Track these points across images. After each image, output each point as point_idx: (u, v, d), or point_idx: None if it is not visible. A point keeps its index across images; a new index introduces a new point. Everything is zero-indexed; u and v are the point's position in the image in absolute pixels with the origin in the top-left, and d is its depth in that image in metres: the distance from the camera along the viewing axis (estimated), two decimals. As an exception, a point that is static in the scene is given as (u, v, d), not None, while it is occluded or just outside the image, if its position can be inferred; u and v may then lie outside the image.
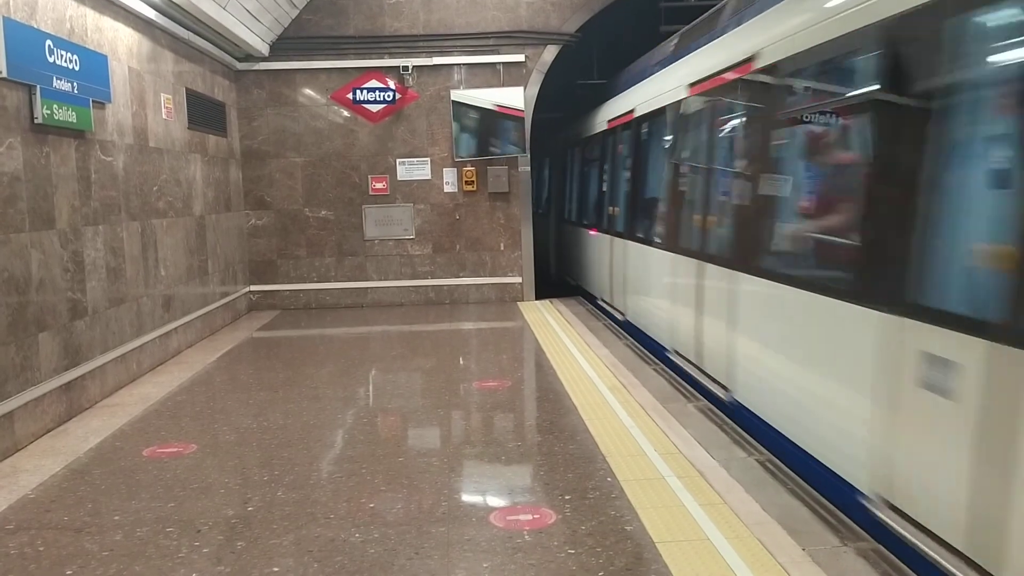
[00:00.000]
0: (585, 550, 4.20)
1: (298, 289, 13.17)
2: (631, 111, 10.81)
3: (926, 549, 3.79)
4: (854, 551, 4.10)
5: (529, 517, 4.64)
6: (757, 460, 5.51)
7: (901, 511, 4.08)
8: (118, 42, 8.27)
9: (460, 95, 12.78)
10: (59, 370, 6.78)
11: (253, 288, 13.05)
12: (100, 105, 7.71)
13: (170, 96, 9.66)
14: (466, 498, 5.11)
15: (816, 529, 4.38)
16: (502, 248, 13.21)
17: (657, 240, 9.27)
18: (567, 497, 4.93)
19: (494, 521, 4.61)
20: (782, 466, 5.40)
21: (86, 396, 7.28)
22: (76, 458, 5.96)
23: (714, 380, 7.17)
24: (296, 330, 11.64)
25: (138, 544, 4.44)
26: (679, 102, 8.56)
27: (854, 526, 4.44)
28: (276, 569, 4.11)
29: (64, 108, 6.87)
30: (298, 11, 12.50)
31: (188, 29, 9.98)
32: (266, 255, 13.07)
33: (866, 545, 4.17)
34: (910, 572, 3.92)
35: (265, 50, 12.34)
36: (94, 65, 7.53)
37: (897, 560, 4.02)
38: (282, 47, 12.63)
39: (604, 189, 12.50)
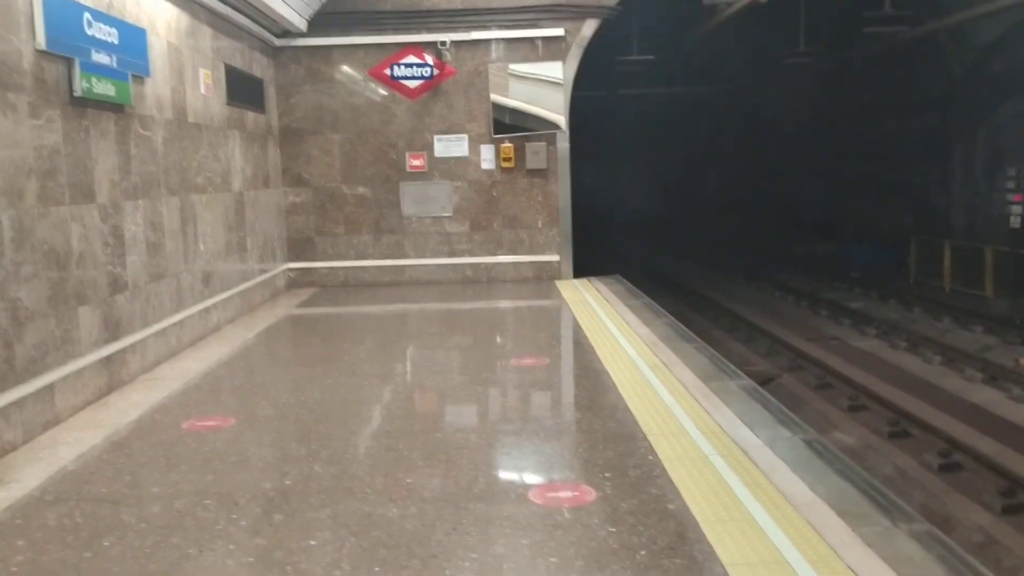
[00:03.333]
0: (626, 528, 4.10)
1: (336, 266, 13.16)
2: None
3: None
4: (907, 533, 3.96)
5: (569, 494, 4.55)
6: (803, 439, 5.36)
7: None
8: (157, 16, 8.25)
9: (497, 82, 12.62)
10: (99, 344, 6.81)
11: (291, 265, 13.07)
12: (139, 79, 7.70)
13: (209, 72, 9.64)
14: (504, 475, 5.04)
15: (866, 510, 4.23)
16: (540, 226, 13.07)
17: None
18: (607, 475, 4.83)
19: (533, 498, 4.52)
20: (831, 446, 5.25)
21: (127, 370, 7.31)
22: (116, 431, 5.98)
23: None
24: (334, 307, 11.63)
25: (176, 516, 4.43)
26: None
27: (907, 507, 4.29)
28: (313, 543, 4.06)
29: (103, 82, 6.86)
30: (336, -14, 12.41)
31: (227, 4, 9.93)
32: (304, 232, 13.07)
33: (920, 527, 4.02)
34: (964, 553, 3.77)
35: (303, 26, 12.28)
36: (133, 39, 7.51)
37: (951, 542, 3.87)
38: (320, 23, 12.55)
39: None
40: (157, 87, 8.15)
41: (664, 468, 4.90)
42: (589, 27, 12.75)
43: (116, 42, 7.10)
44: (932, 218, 18.59)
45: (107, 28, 6.97)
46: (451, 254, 13.14)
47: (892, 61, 18.87)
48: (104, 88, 6.87)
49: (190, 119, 9.00)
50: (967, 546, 6.73)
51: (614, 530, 4.09)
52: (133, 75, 7.47)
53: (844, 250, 21.53)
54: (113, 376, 7.04)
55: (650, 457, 5.09)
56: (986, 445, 8.62)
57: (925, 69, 18.14)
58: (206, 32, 9.63)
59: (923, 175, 19.18)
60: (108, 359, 6.94)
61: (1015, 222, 14.51)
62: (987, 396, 10.42)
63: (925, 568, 3.64)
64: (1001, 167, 16.33)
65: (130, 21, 7.54)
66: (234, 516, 4.41)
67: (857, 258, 20.48)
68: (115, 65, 7.07)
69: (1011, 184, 14.85)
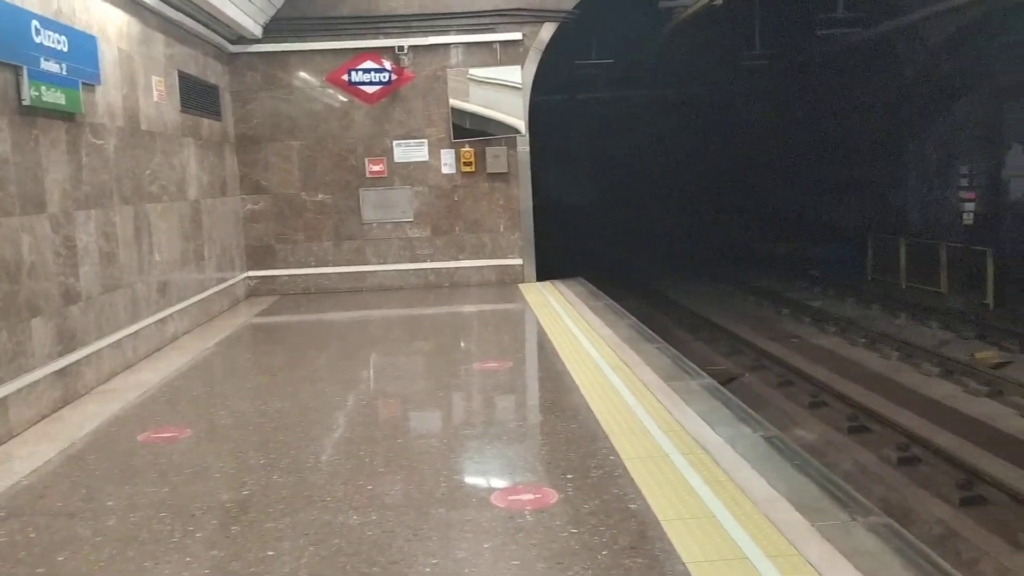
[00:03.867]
0: (588, 529, 4.10)
1: (296, 274, 13.05)
2: None
3: None
4: (865, 526, 4.00)
5: (531, 497, 4.54)
6: (763, 437, 5.40)
7: None
8: (107, 23, 8.12)
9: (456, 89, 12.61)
10: (53, 356, 6.67)
11: (251, 273, 12.93)
12: (90, 87, 7.57)
13: (162, 79, 9.51)
14: (466, 479, 5.01)
15: (825, 505, 4.27)
16: (502, 230, 13.07)
17: None
18: (569, 476, 4.82)
19: (495, 501, 4.50)
20: (790, 442, 5.30)
21: (82, 382, 7.18)
22: (71, 444, 5.86)
23: None
24: (295, 315, 11.53)
25: (131, 529, 4.35)
26: None
27: (865, 501, 4.33)
28: (271, 553, 4.01)
29: (52, 90, 6.73)
30: (292, -8, 12.32)
31: (179, 10, 9.81)
32: (264, 240, 12.94)
33: (877, 520, 4.07)
34: (922, 545, 3.82)
35: (258, 32, 12.18)
36: (83, 46, 7.38)
37: (908, 534, 3.92)
38: (276, 28, 12.46)
39: None
40: (109, 95, 8.02)
41: (626, 468, 4.90)
42: (547, 31, 12.78)
43: (66, 49, 6.98)
44: (889, 216, 18.89)
45: (56, 35, 6.84)
46: (413, 259, 13.09)
47: (847, 62, 19.15)
48: (54, 96, 6.74)
49: (143, 127, 8.87)
50: (926, 538, 6.83)
51: (576, 531, 4.08)
52: (84, 83, 7.34)
53: (804, 249, 21.81)
54: (68, 389, 6.90)
55: (612, 457, 5.10)
56: (944, 439, 8.76)
57: (879, 70, 18.44)
58: (158, 39, 9.50)
59: (879, 174, 19.48)
60: (62, 371, 6.80)
61: (968, 219, 14.78)
62: (944, 390, 10.60)
63: (883, 560, 3.68)
64: (954, 165, 16.64)
65: (80, 28, 7.41)
66: (191, 528, 4.33)
67: (817, 257, 20.76)
68: (65, 73, 6.94)
69: (964, 182, 15.14)
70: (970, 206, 14.90)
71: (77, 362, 7.08)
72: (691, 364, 7.59)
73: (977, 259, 14.80)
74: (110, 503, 4.74)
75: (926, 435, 8.77)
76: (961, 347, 12.33)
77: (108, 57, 8.05)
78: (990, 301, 14.45)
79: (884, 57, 17.97)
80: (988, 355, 11.65)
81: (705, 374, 7.24)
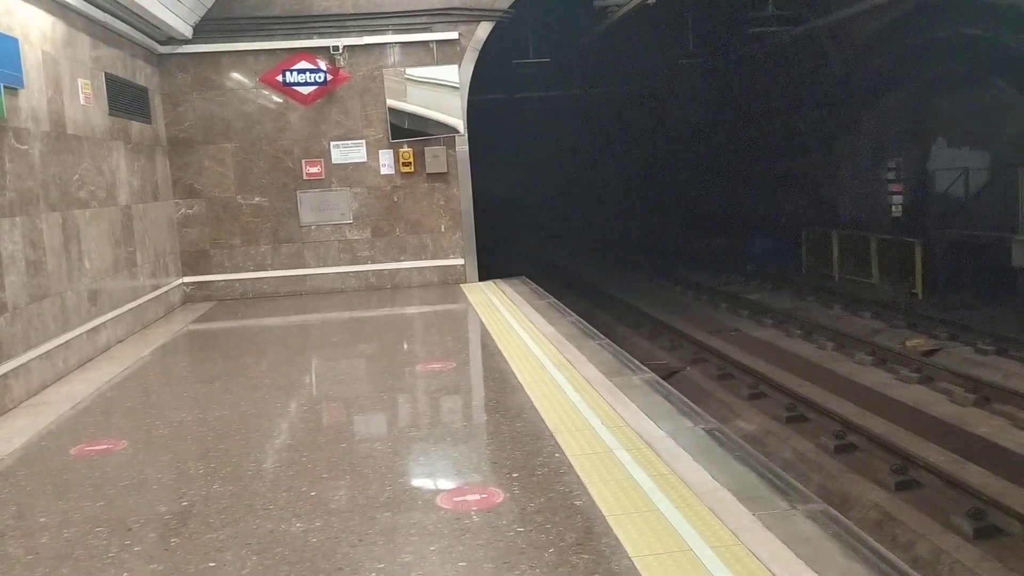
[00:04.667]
0: (534, 527, 4.10)
1: (234, 279, 12.81)
2: None
3: None
4: (803, 514, 4.08)
5: (477, 497, 4.52)
6: (704, 429, 5.47)
7: None
8: (30, 25, 7.86)
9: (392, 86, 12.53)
10: (-22, 370, 6.44)
11: (186, 279, 12.66)
12: (12, 91, 7.31)
13: (88, 81, 9.25)
14: (412, 482, 4.97)
15: (765, 494, 4.35)
16: (443, 230, 13.02)
17: None
18: (515, 475, 4.82)
19: (441, 503, 4.48)
20: (731, 434, 5.38)
21: (10, 396, 6.93)
22: (-1, 460, 5.67)
23: None
24: (233, 321, 11.31)
25: (65, 546, 4.21)
26: None
27: (804, 489, 4.42)
28: (212, 564, 3.92)
29: (-29, 93, 6.50)
30: (222, -8, 12.09)
31: (105, 11, 9.55)
32: (199, 245, 12.68)
33: (816, 507, 4.15)
34: (859, 531, 3.91)
35: (188, 32, 11.92)
36: (5, 49, 7.14)
37: (846, 520, 4.00)
38: (206, 29, 12.21)
39: None
40: (32, 98, 7.77)
41: (571, 465, 4.92)
42: (483, 30, 12.77)
43: (-16, 51, 6.74)
44: (822, 209, 19.33)
45: (-27, 37, 6.61)
46: (353, 262, 12.96)
47: (778, 59, 19.55)
48: (-28, 100, 6.51)
49: (69, 131, 8.62)
50: (864, 523, 7.00)
51: (522, 530, 4.08)
52: (6, 87, 7.10)
53: (740, 243, 22.19)
54: (-6, 403, 6.67)
55: (557, 455, 5.11)
56: (878, 425, 8.99)
57: (808, 66, 18.86)
58: (84, 40, 9.23)
59: (811, 168, 19.93)
60: (-12, 385, 6.57)
61: (897, 211, 15.20)
62: (877, 378, 10.88)
63: (822, 546, 3.75)
64: (883, 159, 17.10)
65: (1, 31, 7.16)
66: (127, 542, 4.22)
67: (752, 250, 21.14)
68: (-16, 76, 6.71)
69: (891, 175, 15.55)
70: (898, 199, 15.31)
71: (4, 375, 6.84)
72: (633, 360, 7.66)
73: (906, 250, 15.23)
74: (42, 519, 4.59)
75: (861, 422, 8.99)
76: (893, 336, 12.68)
77: (31, 60, 7.80)
78: (919, 291, 14.89)
79: (813, 54, 18.39)
80: (918, 343, 12.00)
81: (647, 369, 7.31)
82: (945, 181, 15.97)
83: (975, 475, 7.57)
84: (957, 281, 14.56)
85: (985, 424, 8.96)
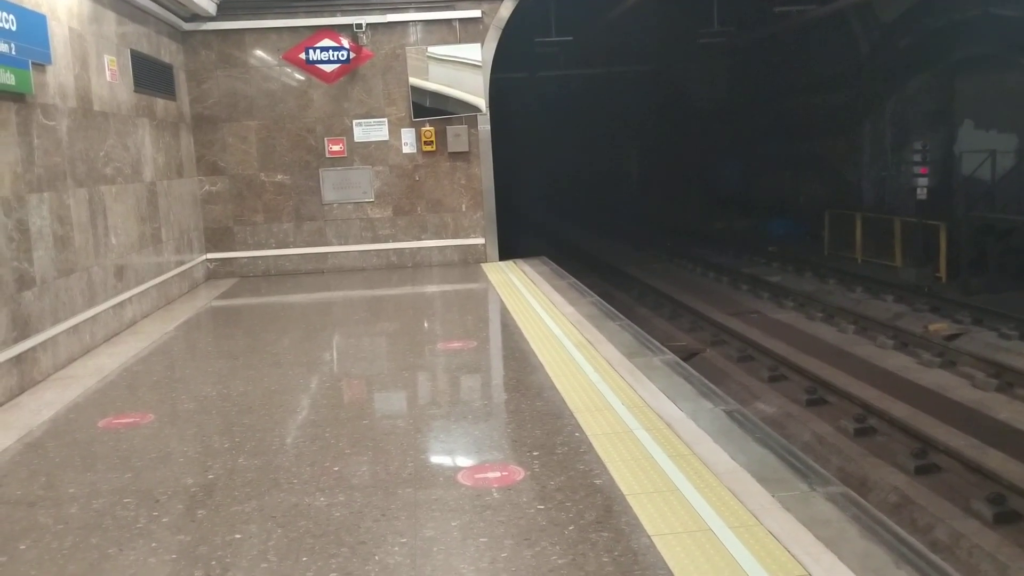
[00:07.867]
0: (555, 505, 4.14)
1: (256, 256, 12.91)
2: None
3: None
4: (823, 496, 4.10)
5: (497, 474, 4.57)
6: (724, 411, 5.49)
7: None
8: (57, 2, 7.91)
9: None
10: (8, 342, 6.55)
11: (210, 256, 12.77)
12: (40, 67, 7.39)
13: (114, 58, 9.31)
14: (433, 458, 5.03)
15: (785, 476, 4.36)
16: (464, 209, 13.04)
17: None
18: (535, 453, 4.86)
19: (462, 480, 4.53)
20: (751, 416, 5.39)
21: (38, 369, 7.06)
22: (29, 431, 5.77)
23: None
24: (256, 297, 11.41)
25: (94, 516, 4.31)
26: None
27: (823, 471, 4.43)
28: (239, 536, 4.00)
29: (2, 70, 6.56)
30: (246, -31, 12.10)
31: (130, -12, 9.61)
32: (222, 222, 12.78)
33: (835, 490, 4.16)
34: (878, 513, 3.92)
35: (212, 9, 11.95)
36: (32, 25, 7.20)
37: (865, 503, 4.02)
38: (230, 6, 12.24)
39: None
40: (60, 75, 7.84)
41: (591, 444, 4.96)
42: (506, 8, 12.71)
43: (14, 29, 6.80)
44: (845, 192, 19.15)
45: (4, 14, 6.67)
46: (375, 240, 13.02)
47: (803, 39, 19.32)
48: (3, 77, 6.58)
49: (96, 107, 8.69)
50: (883, 506, 7.00)
51: (543, 507, 4.13)
52: (34, 63, 7.17)
53: (761, 225, 22.04)
54: (24, 376, 6.79)
55: (577, 434, 5.15)
56: (899, 409, 8.96)
57: (834, 46, 18.63)
58: (110, 17, 9.29)
59: (835, 150, 19.73)
60: (18, 358, 6.69)
61: (922, 194, 15.05)
62: (899, 362, 10.83)
63: (841, 529, 3.77)
64: (908, 141, 16.90)
65: (29, 7, 7.22)
66: (155, 513, 4.31)
67: (774, 232, 21.00)
68: (14, 53, 6.77)
69: (917, 157, 15.39)
70: (923, 181, 15.15)
71: (32, 348, 6.95)
72: (653, 340, 7.67)
73: (930, 233, 15.09)
74: (71, 490, 4.69)
75: (882, 406, 8.96)
76: (915, 319, 12.59)
77: (59, 36, 7.86)
78: (943, 274, 14.76)
79: (839, 34, 18.15)
80: (941, 327, 11.91)
81: (667, 350, 7.32)
82: (971, 164, 15.77)
83: (995, 460, 7.54)
84: (982, 265, 14.42)
85: (1007, 409, 8.90)
